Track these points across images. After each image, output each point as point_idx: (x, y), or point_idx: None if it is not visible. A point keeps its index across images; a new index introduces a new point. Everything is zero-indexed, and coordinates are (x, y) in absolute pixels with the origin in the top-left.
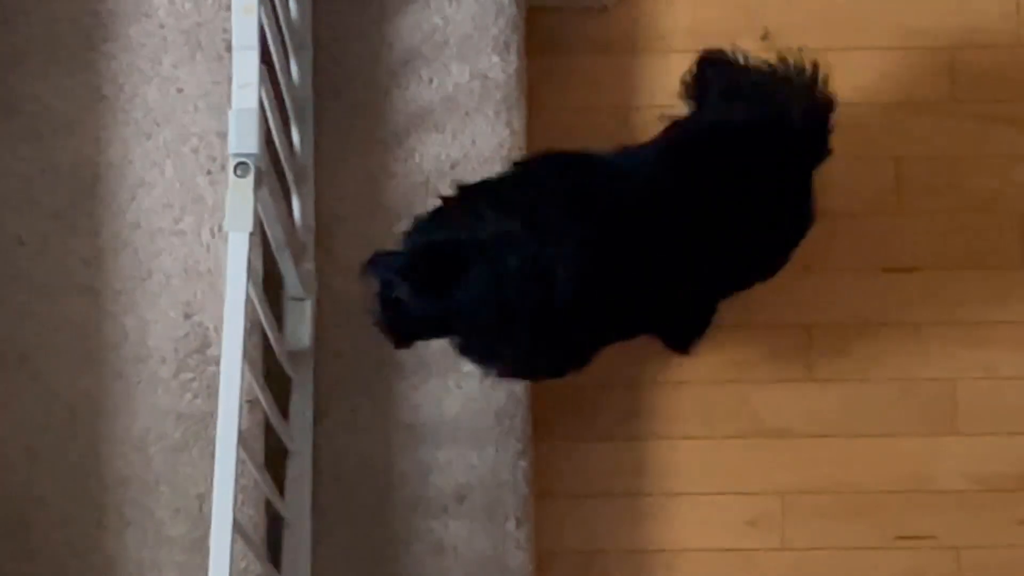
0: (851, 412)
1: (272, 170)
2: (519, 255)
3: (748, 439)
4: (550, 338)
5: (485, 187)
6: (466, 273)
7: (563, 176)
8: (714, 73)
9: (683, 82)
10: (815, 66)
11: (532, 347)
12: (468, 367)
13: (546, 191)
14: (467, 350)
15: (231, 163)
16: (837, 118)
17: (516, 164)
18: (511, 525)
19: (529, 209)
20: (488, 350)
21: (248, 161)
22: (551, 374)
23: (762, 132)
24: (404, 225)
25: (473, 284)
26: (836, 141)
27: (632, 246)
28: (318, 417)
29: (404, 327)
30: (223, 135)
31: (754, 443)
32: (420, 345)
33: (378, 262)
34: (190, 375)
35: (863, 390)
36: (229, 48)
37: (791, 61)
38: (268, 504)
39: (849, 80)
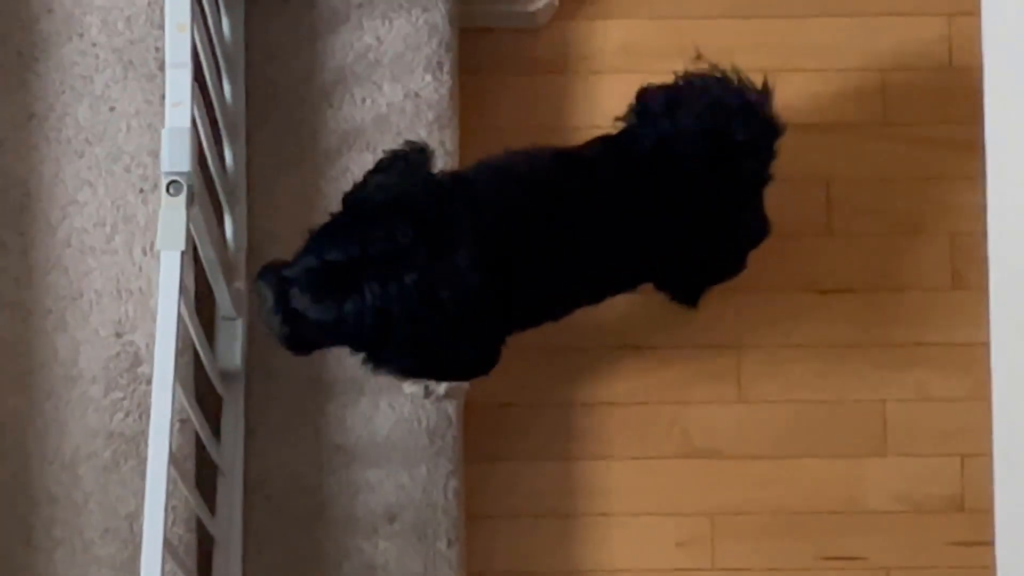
0: (781, 433)
1: (204, 189)
2: (409, 272)
3: (679, 460)
4: (441, 348)
5: (372, 202)
6: (360, 285)
7: (451, 188)
8: (656, 90)
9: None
10: (764, 82)
11: (424, 356)
12: (399, 387)
13: (433, 204)
14: (366, 358)
15: (163, 181)
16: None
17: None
18: (442, 545)
19: (419, 225)
20: (385, 357)
21: (180, 180)
22: (454, 376)
23: (701, 142)
24: None
25: (367, 296)
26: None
27: (526, 250)
28: (249, 436)
29: (302, 335)
30: (155, 154)
31: (685, 464)
32: (350, 364)
33: (272, 273)
34: (121, 394)
35: (793, 411)
36: (161, 67)
37: (738, 74)
38: (199, 523)
39: (780, 102)
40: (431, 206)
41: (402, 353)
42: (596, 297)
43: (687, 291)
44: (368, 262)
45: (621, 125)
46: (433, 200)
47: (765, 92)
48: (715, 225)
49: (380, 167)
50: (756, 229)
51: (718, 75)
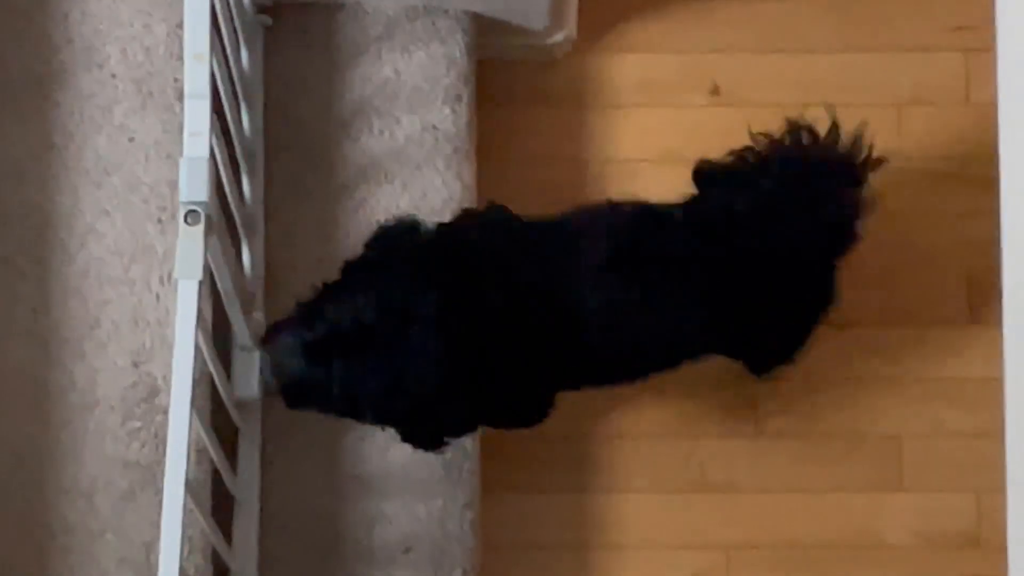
0: (797, 467)
1: (222, 219)
2: (373, 354)
3: (694, 493)
4: (420, 420)
5: (375, 270)
6: (347, 356)
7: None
8: (744, 157)
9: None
10: (858, 140)
11: (408, 422)
12: None
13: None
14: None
15: (181, 211)
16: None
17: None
18: None
19: (406, 302)
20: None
21: (198, 209)
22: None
23: (791, 220)
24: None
25: (333, 373)
26: None
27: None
28: (265, 467)
29: (298, 395)
30: (173, 184)
31: (700, 498)
32: None
33: (276, 335)
34: (138, 424)
35: (810, 445)
36: (180, 97)
37: (835, 132)
38: (215, 554)
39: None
40: (399, 285)
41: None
42: (663, 363)
43: (759, 361)
44: (339, 338)
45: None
46: (403, 279)
47: (862, 167)
48: (792, 295)
49: (375, 238)
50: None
51: (811, 139)
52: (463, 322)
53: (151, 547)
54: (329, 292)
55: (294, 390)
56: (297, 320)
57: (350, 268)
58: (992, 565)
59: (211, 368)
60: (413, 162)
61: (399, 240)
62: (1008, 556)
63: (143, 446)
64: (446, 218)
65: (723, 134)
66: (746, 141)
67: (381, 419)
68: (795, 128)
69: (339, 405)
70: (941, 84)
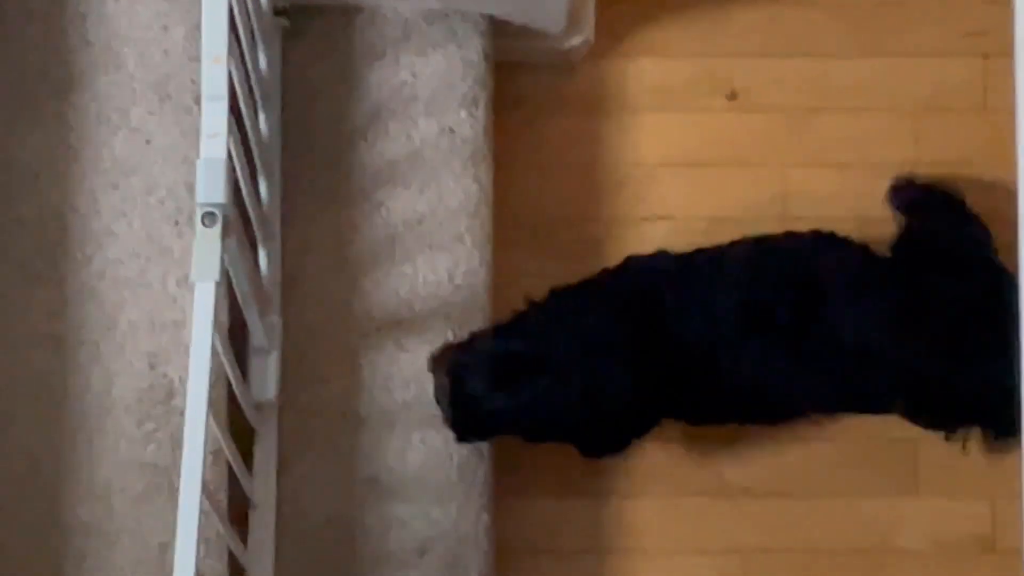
0: (813, 472)
1: (239, 221)
2: (579, 378)
3: (710, 498)
4: (594, 440)
5: (563, 302)
6: (533, 381)
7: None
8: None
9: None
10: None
11: (578, 444)
12: (431, 422)
13: (614, 322)
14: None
15: (198, 213)
16: None
17: (603, 280)
18: None
19: (595, 337)
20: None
21: (216, 211)
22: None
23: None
24: (369, 281)
25: (540, 393)
26: (802, 206)
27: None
28: (281, 470)
29: (472, 420)
30: (190, 186)
31: (716, 502)
32: (383, 399)
33: (450, 358)
34: (154, 425)
35: (825, 450)
36: (197, 100)
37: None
38: (231, 556)
39: (813, 142)
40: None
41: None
42: (824, 407)
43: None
44: (545, 361)
45: None
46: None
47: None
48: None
49: (593, 281)
50: None
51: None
52: (646, 357)
53: (166, 549)
54: (524, 320)
55: (476, 417)
56: (495, 339)
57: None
58: (1007, 571)
59: (228, 370)
60: (430, 165)
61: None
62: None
63: (159, 448)
64: (462, 222)
65: (741, 139)
66: (760, 147)
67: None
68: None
69: (533, 423)
70: (958, 90)
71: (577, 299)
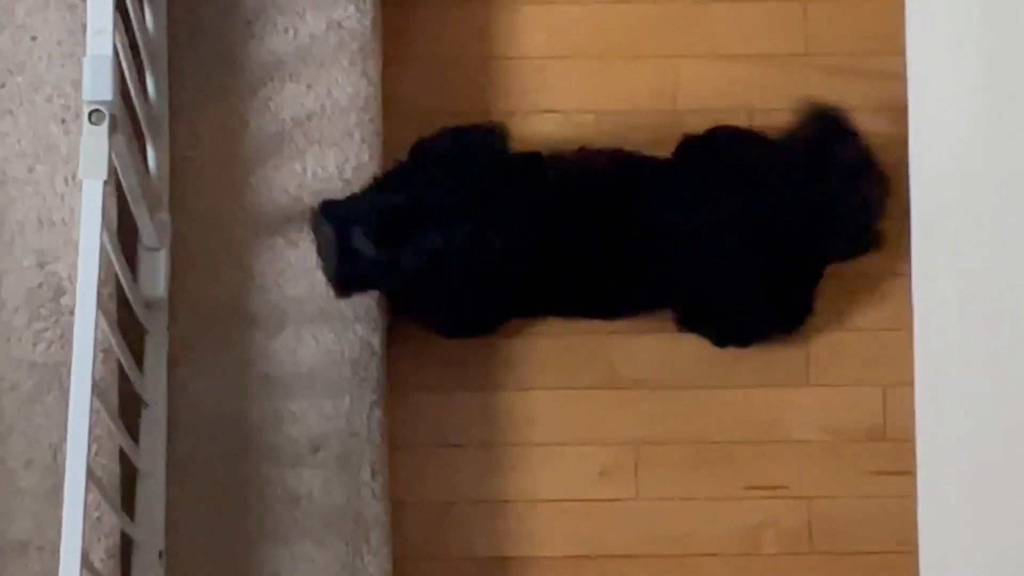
0: (704, 364)
1: (127, 118)
2: (466, 225)
3: (603, 390)
4: (473, 299)
5: (437, 154)
6: (417, 232)
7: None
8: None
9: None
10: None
11: (458, 303)
12: (323, 318)
13: (499, 165)
14: (400, 302)
15: (85, 110)
16: None
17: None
18: (366, 475)
19: (479, 183)
20: (419, 302)
21: (103, 108)
22: (465, 331)
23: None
24: (258, 177)
25: (425, 242)
26: (691, 98)
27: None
28: (172, 367)
29: (354, 275)
30: (77, 84)
31: (609, 394)
32: (274, 295)
33: (334, 211)
34: (43, 325)
35: None
36: None
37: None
38: (123, 454)
39: (703, 34)
40: (497, 166)
41: (435, 303)
42: (618, 307)
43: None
44: (429, 210)
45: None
46: (500, 162)
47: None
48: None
49: (455, 129)
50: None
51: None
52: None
53: (58, 448)
54: (408, 169)
55: (360, 270)
56: (377, 192)
57: (422, 148)
58: (899, 459)
59: (117, 268)
60: (318, 60)
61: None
62: (916, 449)
63: (49, 346)
64: (351, 117)
65: (630, 31)
66: (649, 39)
67: (446, 293)
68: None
69: (418, 275)
70: None
71: (457, 151)
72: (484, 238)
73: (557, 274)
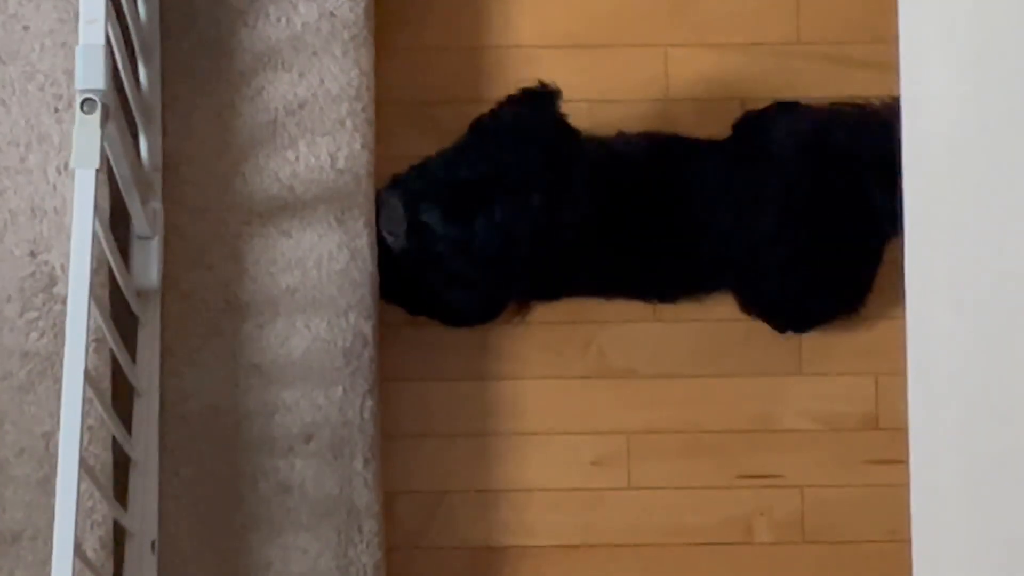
0: (696, 352)
1: (119, 107)
2: (535, 194)
3: (594, 379)
4: (539, 273)
5: (504, 128)
6: (487, 207)
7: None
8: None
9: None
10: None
11: (515, 276)
12: (316, 307)
13: (561, 137)
14: (445, 278)
15: (78, 99)
16: None
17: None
18: (358, 464)
19: (546, 153)
20: (470, 276)
21: (95, 97)
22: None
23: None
24: (250, 166)
25: (495, 216)
26: (683, 86)
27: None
28: (165, 357)
29: (423, 250)
30: (69, 73)
31: (601, 383)
32: (266, 284)
33: (403, 186)
34: (36, 314)
35: (708, 330)
36: None
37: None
38: (115, 444)
39: (693, 21)
40: (559, 138)
41: (468, 286)
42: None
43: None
44: (497, 183)
45: None
46: (561, 133)
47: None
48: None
49: (511, 100)
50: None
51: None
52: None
53: (51, 437)
54: (472, 144)
55: (431, 245)
56: (444, 166)
57: (483, 124)
58: (892, 448)
59: (109, 257)
60: (310, 49)
61: (547, 102)
62: (909, 437)
63: (41, 336)
64: (343, 106)
65: (622, 19)
66: (642, 27)
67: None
68: None
69: (490, 248)
70: None
71: (516, 125)
72: (554, 212)
73: (616, 253)
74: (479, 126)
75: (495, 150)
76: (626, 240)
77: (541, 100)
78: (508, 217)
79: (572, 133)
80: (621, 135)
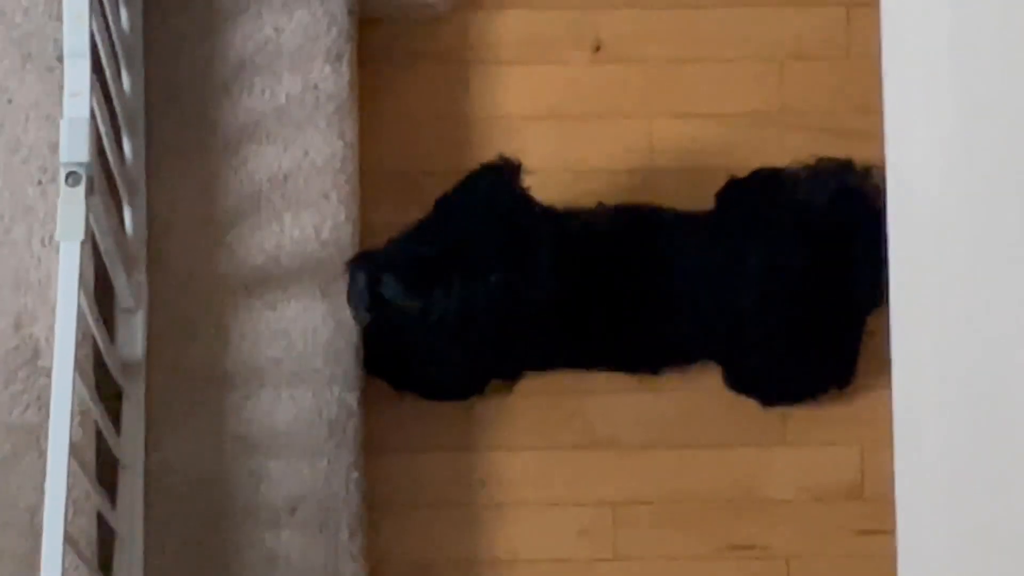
0: (682, 422)
1: (104, 180)
2: (496, 274)
3: (581, 450)
4: (498, 350)
5: (461, 201)
6: (447, 281)
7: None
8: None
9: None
10: None
11: (473, 356)
12: (301, 379)
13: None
14: (417, 353)
15: (62, 172)
16: None
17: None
18: (344, 536)
19: (508, 230)
20: (420, 360)
21: (79, 170)
22: (461, 392)
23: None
24: (235, 238)
25: (454, 290)
26: (667, 157)
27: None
28: (150, 429)
29: (383, 323)
30: (54, 146)
31: (586, 454)
32: (251, 356)
33: (367, 260)
34: (20, 387)
35: (692, 400)
36: (60, 58)
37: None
38: (100, 517)
39: (681, 93)
40: (519, 212)
41: (440, 359)
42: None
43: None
44: (456, 258)
45: None
46: (521, 207)
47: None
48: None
49: (471, 175)
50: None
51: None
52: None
53: (35, 511)
54: (434, 221)
55: (390, 317)
56: (406, 242)
57: (446, 201)
58: (877, 518)
59: (94, 330)
60: (295, 121)
61: (509, 178)
62: (896, 508)
63: (26, 409)
64: (328, 179)
65: (606, 91)
66: (625, 98)
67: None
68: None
69: (447, 322)
70: (821, 38)
71: (477, 201)
72: (514, 286)
73: (596, 327)
74: (442, 201)
75: (455, 226)
76: (605, 314)
77: (501, 174)
78: (466, 293)
79: (533, 207)
80: (600, 207)
